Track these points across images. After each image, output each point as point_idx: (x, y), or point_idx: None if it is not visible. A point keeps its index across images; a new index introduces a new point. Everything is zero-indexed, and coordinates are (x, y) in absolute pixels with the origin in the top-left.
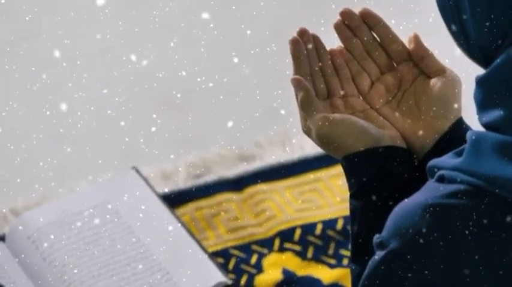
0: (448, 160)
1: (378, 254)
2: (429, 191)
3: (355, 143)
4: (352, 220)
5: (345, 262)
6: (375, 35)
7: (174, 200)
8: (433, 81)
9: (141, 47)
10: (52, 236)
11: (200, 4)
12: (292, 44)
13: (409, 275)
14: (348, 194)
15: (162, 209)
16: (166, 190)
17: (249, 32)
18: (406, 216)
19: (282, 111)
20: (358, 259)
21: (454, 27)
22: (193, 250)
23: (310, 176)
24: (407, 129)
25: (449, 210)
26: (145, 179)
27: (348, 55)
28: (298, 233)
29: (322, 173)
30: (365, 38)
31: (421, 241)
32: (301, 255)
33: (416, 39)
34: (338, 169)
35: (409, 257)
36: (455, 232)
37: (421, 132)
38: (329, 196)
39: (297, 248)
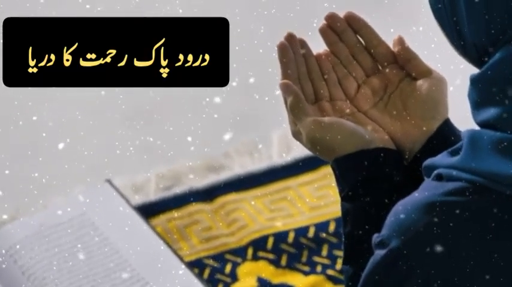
0: (444, 158)
1: (378, 254)
2: (428, 190)
3: (346, 146)
4: (344, 222)
5: (319, 268)
6: (360, 39)
7: (146, 211)
8: (419, 83)
9: None
10: (30, 250)
11: None
12: (279, 48)
13: (410, 273)
14: (318, 202)
15: (138, 220)
16: (137, 202)
17: None
18: (406, 214)
19: (250, 121)
20: (352, 261)
21: (448, 26)
22: (171, 259)
23: (279, 185)
24: (396, 131)
25: (449, 208)
26: (119, 191)
27: (334, 59)
28: (271, 241)
29: (291, 182)
30: (350, 42)
31: (422, 239)
32: (275, 263)
33: (401, 41)
34: (306, 177)
35: (410, 255)
36: (456, 230)
37: (409, 134)
38: (299, 204)
39: (271, 256)
